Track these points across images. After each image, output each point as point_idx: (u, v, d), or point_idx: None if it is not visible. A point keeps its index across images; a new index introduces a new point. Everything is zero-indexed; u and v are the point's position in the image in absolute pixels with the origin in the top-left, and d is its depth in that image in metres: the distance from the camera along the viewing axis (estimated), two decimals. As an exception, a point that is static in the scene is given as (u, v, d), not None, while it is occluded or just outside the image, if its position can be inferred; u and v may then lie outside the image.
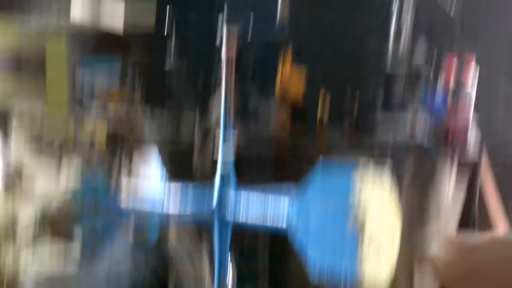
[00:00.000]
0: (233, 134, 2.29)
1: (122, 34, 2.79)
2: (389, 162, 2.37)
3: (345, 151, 2.55)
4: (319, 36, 3.42)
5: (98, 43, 2.97)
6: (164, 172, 2.19)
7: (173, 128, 2.62)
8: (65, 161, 2.47)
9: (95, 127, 2.55)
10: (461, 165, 2.47)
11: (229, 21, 2.45)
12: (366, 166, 1.87)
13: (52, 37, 2.74)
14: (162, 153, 2.42)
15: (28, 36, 2.72)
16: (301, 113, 2.67)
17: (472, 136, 2.62)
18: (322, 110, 2.68)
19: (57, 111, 2.75)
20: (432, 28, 3.27)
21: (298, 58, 2.83)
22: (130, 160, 2.45)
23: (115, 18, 2.80)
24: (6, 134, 2.58)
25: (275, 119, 2.64)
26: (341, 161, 2.33)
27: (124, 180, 2.12)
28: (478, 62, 3.09)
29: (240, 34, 2.46)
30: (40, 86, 2.74)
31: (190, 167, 2.53)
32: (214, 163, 2.42)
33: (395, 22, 2.94)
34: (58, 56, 2.76)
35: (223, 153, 2.24)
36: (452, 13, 3.09)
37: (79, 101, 2.87)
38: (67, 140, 2.53)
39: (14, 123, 2.52)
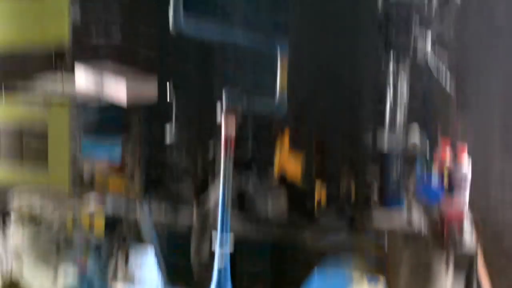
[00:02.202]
0: (229, 238, 2.34)
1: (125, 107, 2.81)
2: (383, 279, 2.42)
3: (342, 245, 2.60)
4: (316, 122, 3.45)
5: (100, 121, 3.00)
6: (161, 277, 2.24)
7: (171, 213, 2.66)
8: (62, 257, 2.52)
9: (94, 212, 2.59)
10: (457, 257, 2.51)
11: (228, 102, 2.45)
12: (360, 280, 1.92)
13: (55, 108, 2.76)
14: (159, 247, 2.47)
15: (32, 112, 2.74)
16: (299, 196, 2.70)
17: (468, 226, 2.65)
18: (320, 194, 2.71)
19: (58, 185, 2.79)
20: (427, 112, 3.28)
21: (295, 141, 2.85)
22: (126, 261, 2.50)
23: (118, 92, 2.81)
24: (4, 229, 2.63)
25: (274, 201, 2.67)
26: (336, 269, 2.39)
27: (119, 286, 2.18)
28: (472, 144, 3.12)
29: (240, 113, 2.49)
30: (41, 170, 2.78)
31: (188, 254, 2.58)
32: (212, 254, 2.48)
33: (390, 109, 2.95)
34: (60, 127, 2.79)
35: (219, 260, 2.29)
36: (447, 95, 3.10)
37: (79, 176, 2.92)
38: (67, 223, 2.58)
39: (13, 216, 2.56)
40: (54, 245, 2.62)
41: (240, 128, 2.56)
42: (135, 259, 2.52)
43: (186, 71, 3.58)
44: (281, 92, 2.57)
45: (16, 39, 2.75)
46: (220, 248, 2.41)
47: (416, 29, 2.88)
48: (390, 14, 2.86)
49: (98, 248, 2.58)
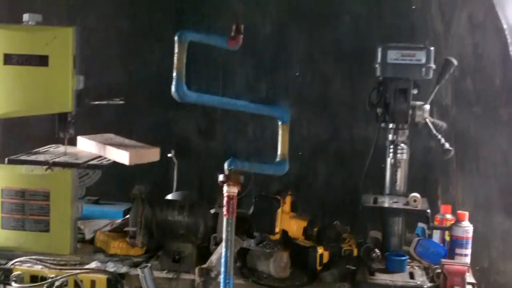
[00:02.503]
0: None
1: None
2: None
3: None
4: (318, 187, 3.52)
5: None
6: None
7: (173, 278, 2.64)
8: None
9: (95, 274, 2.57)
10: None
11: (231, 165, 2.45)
12: None
13: (57, 172, 2.78)
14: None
15: (33, 177, 2.76)
16: (301, 254, 2.69)
17: (470, 281, 2.63)
18: (322, 254, 2.71)
19: (59, 247, 2.78)
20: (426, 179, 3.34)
21: (296, 205, 2.87)
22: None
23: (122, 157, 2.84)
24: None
25: (276, 259, 2.66)
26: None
27: None
28: (472, 208, 3.16)
29: (242, 172, 2.49)
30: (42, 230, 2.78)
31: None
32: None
33: (390, 177, 2.99)
34: (62, 191, 2.80)
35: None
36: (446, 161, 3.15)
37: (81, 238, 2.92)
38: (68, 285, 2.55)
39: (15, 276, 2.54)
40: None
41: (243, 189, 2.57)
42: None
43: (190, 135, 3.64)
44: (282, 157, 2.58)
45: (20, 108, 2.81)
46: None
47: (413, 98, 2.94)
48: (388, 83, 2.93)
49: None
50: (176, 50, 2.36)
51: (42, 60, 2.80)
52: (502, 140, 3.32)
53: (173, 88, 2.33)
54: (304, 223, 2.78)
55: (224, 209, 2.41)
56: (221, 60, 3.61)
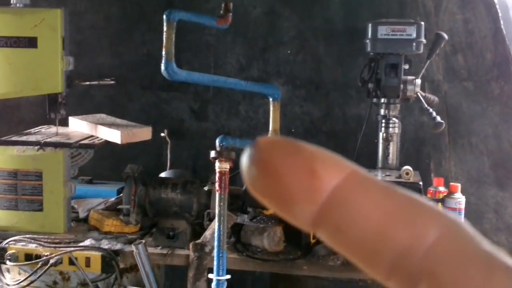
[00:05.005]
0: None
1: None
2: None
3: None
4: None
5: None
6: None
7: (167, 254, 2.64)
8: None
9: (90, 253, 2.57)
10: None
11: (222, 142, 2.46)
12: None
13: (49, 152, 2.77)
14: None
15: (25, 158, 2.75)
16: (295, 229, 2.70)
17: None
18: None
19: (53, 226, 2.78)
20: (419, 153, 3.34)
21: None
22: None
23: (113, 136, 2.83)
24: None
25: (270, 234, 2.66)
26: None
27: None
28: (464, 181, 3.17)
29: (234, 149, 2.50)
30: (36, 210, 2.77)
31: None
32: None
33: (382, 151, 2.99)
34: (55, 171, 2.79)
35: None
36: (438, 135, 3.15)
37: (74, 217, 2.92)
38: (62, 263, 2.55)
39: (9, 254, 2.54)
40: (49, 285, 2.59)
41: (235, 166, 2.58)
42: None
43: (183, 116, 3.64)
44: (273, 134, 2.58)
45: (9, 89, 2.80)
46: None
47: (405, 73, 2.94)
48: (379, 58, 2.93)
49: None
50: (164, 29, 2.36)
51: (31, 42, 2.80)
52: (494, 114, 3.32)
53: (162, 67, 2.33)
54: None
55: (216, 184, 2.42)
56: (212, 42, 3.60)
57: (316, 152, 0.34)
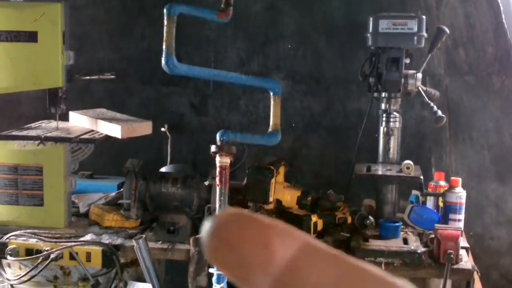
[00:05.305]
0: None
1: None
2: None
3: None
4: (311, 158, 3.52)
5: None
6: None
7: (168, 249, 2.64)
8: None
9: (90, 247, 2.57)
10: (454, 274, 2.49)
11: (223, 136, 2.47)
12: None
13: (50, 147, 2.77)
14: (157, 284, 2.44)
15: (26, 152, 2.75)
16: (295, 223, 2.70)
17: (464, 245, 2.64)
18: (316, 222, 2.71)
19: (54, 221, 2.78)
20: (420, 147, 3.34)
21: (290, 175, 2.88)
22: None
23: (114, 131, 2.83)
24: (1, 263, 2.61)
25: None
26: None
27: None
28: (465, 175, 3.17)
29: (234, 144, 2.50)
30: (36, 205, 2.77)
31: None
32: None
33: (383, 145, 2.98)
34: (55, 165, 2.79)
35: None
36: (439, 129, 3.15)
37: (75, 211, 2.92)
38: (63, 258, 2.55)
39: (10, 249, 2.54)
40: (50, 280, 2.59)
41: (235, 160, 2.58)
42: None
43: (183, 110, 3.63)
44: (274, 128, 2.58)
45: (10, 84, 2.79)
46: (218, 284, 2.40)
47: (406, 67, 2.93)
48: (380, 52, 2.92)
49: (94, 286, 2.55)
50: (165, 23, 2.36)
51: (31, 36, 2.79)
52: (495, 108, 3.32)
53: (163, 61, 2.33)
54: (298, 193, 2.78)
55: (217, 179, 2.42)
56: (213, 36, 3.59)
57: (270, 225, 0.35)
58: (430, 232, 2.60)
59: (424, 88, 2.95)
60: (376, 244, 2.58)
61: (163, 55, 2.31)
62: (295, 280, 0.34)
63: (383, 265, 2.46)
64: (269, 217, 0.37)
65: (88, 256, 2.54)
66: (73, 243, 2.56)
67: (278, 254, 0.35)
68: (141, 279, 2.56)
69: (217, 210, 2.39)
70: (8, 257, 2.55)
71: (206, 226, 0.36)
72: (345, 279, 0.34)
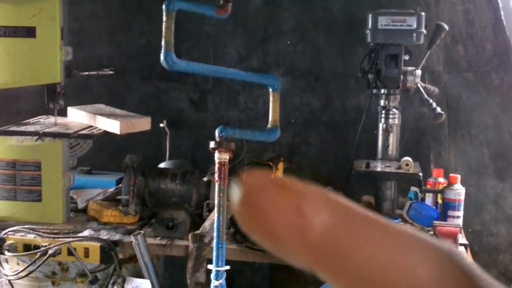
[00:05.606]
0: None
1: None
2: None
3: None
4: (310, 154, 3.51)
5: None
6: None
7: (166, 245, 2.63)
8: None
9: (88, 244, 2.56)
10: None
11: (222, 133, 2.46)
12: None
13: (48, 143, 2.76)
14: (156, 280, 2.44)
15: (24, 148, 2.74)
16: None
17: (463, 242, 2.64)
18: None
19: (52, 216, 2.77)
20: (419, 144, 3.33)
21: (289, 170, 2.87)
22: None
23: (112, 127, 2.82)
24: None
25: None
26: None
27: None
28: (464, 172, 3.16)
29: (233, 140, 2.50)
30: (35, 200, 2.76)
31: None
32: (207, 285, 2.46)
33: (382, 141, 2.98)
34: (54, 161, 2.78)
35: None
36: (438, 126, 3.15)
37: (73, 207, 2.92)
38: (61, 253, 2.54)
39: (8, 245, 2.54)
40: (48, 275, 2.59)
41: (234, 156, 2.57)
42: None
43: (182, 106, 3.63)
44: (273, 124, 2.57)
45: (8, 79, 2.79)
46: (216, 280, 2.40)
47: (405, 64, 2.93)
48: (379, 49, 2.92)
49: (92, 282, 2.55)
50: (164, 19, 2.35)
51: (29, 32, 2.78)
52: (494, 104, 3.31)
53: (162, 57, 2.32)
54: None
55: (216, 175, 2.41)
56: (212, 32, 3.58)
57: (303, 191, 0.34)
58: (428, 229, 2.60)
59: (423, 85, 2.95)
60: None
61: (162, 51, 2.30)
62: (331, 246, 0.33)
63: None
64: (301, 181, 0.35)
65: (86, 252, 2.53)
66: (71, 239, 2.56)
67: (312, 221, 0.33)
68: (139, 275, 2.55)
69: (216, 206, 2.38)
70: (6, 252, 2.55)
71: (236, 193, 0.35)
72: (383, 243, 0.32)
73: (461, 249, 2.57)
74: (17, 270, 2.58)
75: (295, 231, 0.33)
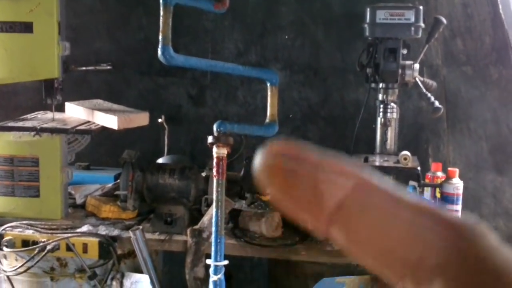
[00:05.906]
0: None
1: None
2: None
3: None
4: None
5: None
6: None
7: (165, 240, 2.63)
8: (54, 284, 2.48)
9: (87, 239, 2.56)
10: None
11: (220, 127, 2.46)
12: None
13: (46, 138, 2.76)
14: (155, 275, 2.44)
15: (22, 143, 2.74)
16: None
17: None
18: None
19: (50, 212, 2.77)
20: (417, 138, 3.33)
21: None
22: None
23: (110, 122, 2.82)
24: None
25: (268, 219, 2.65)
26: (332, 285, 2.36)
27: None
28: (463, 166, 3.16)
29: (231, 135, 2.49)
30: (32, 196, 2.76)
31: (183, 282, 2.55)
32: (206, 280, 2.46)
33: (380, 136, 2.98)
34: (52, 157, 2.78)
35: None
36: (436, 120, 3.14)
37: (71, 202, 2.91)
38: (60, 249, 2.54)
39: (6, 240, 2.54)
40: (47, 271, 2.59)
41: (233, 151, 2.57)
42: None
43: (180, 101, 3.62)
44: (271, 119, 2.57)
45: (5, 75, 2.78)
46: (215, 275, 2.39)
47: (403, 58, 2.92)
48: (377, 43, 2.91)
49: (91, 277, 2.55)
50: (161, 13, 2.34)
51: (26, 27, 2.77)
52: (493, 98, 3.31)
53: (159, 52, 2.31)
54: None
55: (214, 170, 2.41)
56: (210, 27, 3.58)
57: (319, 163, 0.35)
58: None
59: (422, 79, 2.94)
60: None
61: (160, 46, 2.29)
62: (347, 220, 0.34)
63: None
64: (319, 152, 0.36)
65: (85, 247, 2.53)
66: (69, 234, 2.55)
67: (327, 195, 0.34)
68: (138, 270, 2.55)
69: (214, 201, 2.37)
70: (4, 248, 2.54)
71: (258, 160, 0.36)
72: (401, 218, 0.33)
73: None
74: (16, 266, 2.58)
75: (311, 203, 0.34)
